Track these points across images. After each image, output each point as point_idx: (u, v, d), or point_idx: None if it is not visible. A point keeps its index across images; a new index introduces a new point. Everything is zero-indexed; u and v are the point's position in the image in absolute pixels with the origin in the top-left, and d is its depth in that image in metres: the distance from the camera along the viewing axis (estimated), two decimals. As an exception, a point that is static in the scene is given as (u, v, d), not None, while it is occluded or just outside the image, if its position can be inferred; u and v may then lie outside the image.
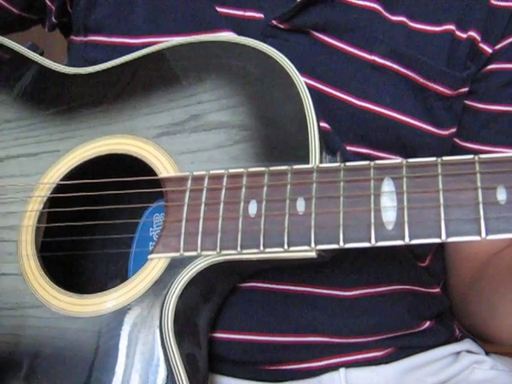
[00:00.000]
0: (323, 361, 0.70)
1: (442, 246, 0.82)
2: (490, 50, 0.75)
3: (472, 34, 0.74)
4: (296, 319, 0.69)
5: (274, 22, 0.71)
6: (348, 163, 0.58)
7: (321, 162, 0.60)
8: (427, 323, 0.75)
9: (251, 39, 0.65)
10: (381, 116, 0.71)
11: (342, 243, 0.56)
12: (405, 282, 0.74)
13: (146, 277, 0.62)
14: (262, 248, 0.58)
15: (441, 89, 0.73)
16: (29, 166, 0.71)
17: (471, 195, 0.53)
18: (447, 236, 0.53)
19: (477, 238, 0.52)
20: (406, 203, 0.55)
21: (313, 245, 0.56)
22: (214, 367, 0.69)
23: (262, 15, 0.72)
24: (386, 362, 0.71)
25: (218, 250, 0.59)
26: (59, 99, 0.73)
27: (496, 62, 0.75)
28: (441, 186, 0.54)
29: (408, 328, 0.73)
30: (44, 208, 0.68)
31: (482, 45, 0.74)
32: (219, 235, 0.59)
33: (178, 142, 0.65)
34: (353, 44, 0.71)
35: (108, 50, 0.73)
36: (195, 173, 0.63)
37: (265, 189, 0.59)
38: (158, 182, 0.65)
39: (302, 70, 0.62)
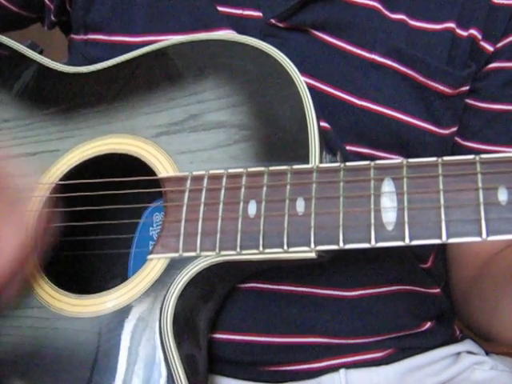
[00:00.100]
0: (323, 362, 0.69)
1: (443, 247, 0.82)
2: (491, 49, 0.74)
3: (473, 32, 0.73)
4: (296, 320, 0.69)
5: (273, 21, 0.70)
6: (348, 163, 0.58)
7: (321, 161, 0.60)
8: (428, 324, 0.75)
9: (251, 38, 0.65)
10: (381, 115, 0.70)
11: (341, 244, 0.55)
12: (405, 282, 0.74)
13: (146, 277, 0.61)
14: (261, 249, 0.57)
15: (441, 87, 0.72)
16: (28, 165, 0.70)
17: (472, 196, 0.53)
18: (448, 237, 0.53)
19: (478, 239, 0.52)
20: (406, 204, 0.54)
21: (312, 245, 0.56)
22: (213, 368, 0.69)
23: (260, 14, 0.71)
24: (387, 363, 0.71)
25: (217, 250, 0.59)
26: (58, 98, 0.72)
27: (497, 61, 0.75)
28: (441, 187, 0.54)
29: (408, 329, 0.73)
30: (43, 208, 0.68)
31: (482, 43, 0.74)
32: (218, 236, 0.59)
33: (178, 141, 0.65)
34: (352, 42, 0.71)
35: (108, 49, 0.73)
36: (194, 173, 0.62)
37: (264, 189, 0.59)
38: (158, 182, 0.64)
39: (301, 69, 0.62)
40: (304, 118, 0.61)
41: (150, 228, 0.73)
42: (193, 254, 0.60)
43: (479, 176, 0.53)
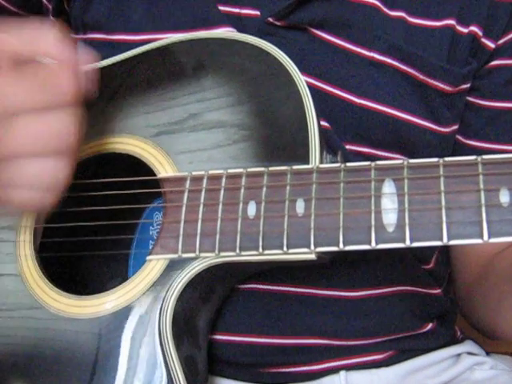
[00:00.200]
0: (324, 363, 0.69)
1: (446, 247, 0.81)
2: (492, 46, 0.73)
3: (473, 28, 0.72)
4: (296, 321, 0.68)
5: (271, 20, 0.69)
6: (348, 164, 0.57)
7: (321, 161, 0.59)
8: (429, 325, 0.75)
9: (251, 36, 0.64)
10: (380, 114, 0.69)
11: (341, 245, 0.55)
12: (406, 283, 0.73)
13: (145, 278, 0.61)
14: (260, 250, 0.57)
15: (441, 85, 0.71)
16: None
17: (474, 197, 0.52)
18: (449, 239, 0.52)
19: (479, 241, 0.51)
20: (407, 205, 0.54)
21: (312, 247, 0.56)
22: (213, 369, 0.69)
23: (258, 12, 0.70)
24: (387, 365, 0.71)
25: (216, 251, 0.58)
26: (57, 97, 0.72)
27: (499, 58, 0.74)
28: (443, 188, 0.53)
29: (409, 330, 0.73)
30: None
31: (484, 40, 0.73)
32: (218, 237, 0.59)
33: (177, 141, 0.64)
34: (351, 40, 0.70)
35: (107, 48, 0.72)
36: (194, 173, 0.62)
37: (264, 190, 0.59)
38: (157, 182, 0.64)
39: (300, 68, 0.61)
40: (304, 118, 0.60)
41: (150, 227, 0.73)
42: (192, 255, 0.59)
43: (481, 177, 0.53)
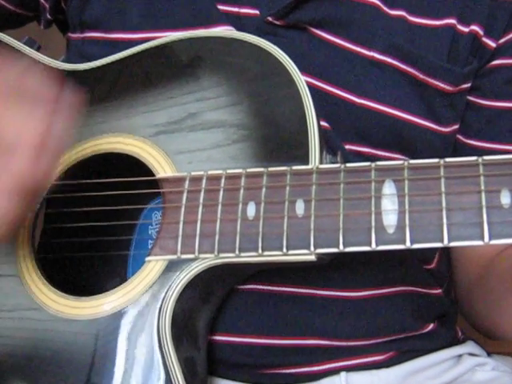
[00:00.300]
0: (324, 364, 0.69)
1: (447, 248, 0.81)
2: (493, 45, 0.73)
3: (474, 28, 0.72)
4: (296, 322, 0.68)
5: (270, 19, 0.69)
6: (348, 164, 0.57)
7: (321, 161, 0.59)
8: (430, 326, 0.74)
9: (250, 35, 0.64)
10: (381, 114, 0.69)
11: (341, 247, 0.55)
12: (407, 283, 0.73)
13: (144, 279, 0.61)
14: (260, 251, 0.57)
15: (441, 85, 0.71)
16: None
17: (474, 198, 0.52)
18: (449, 240, 0.52)
19: (480, 242, 0.51)
20: (407, 206, 0.54)
21: (312, 248, 0.55)
22: (213, 370, 0.68)
23: (257, 12, 0.70)
24: (388, 366, 0.70)
25: (215, 252, 0.58)
26: (55, 96, 0.71)
27: (500, 58, 0.73)
28: (443, 189, 0.53)
29: (410, 330, 0.72)
30: (40, 208, 0.67)
31: (485, 39, 0.72)
32: (217, 238, 0.58)
33: (176, 141, 0.64)
34: (351, 40, 0.69)
35: (105, 46, 0.72)
36: (193, 173, 0.62)
37: (263, 190, 0.58)
38: (156, 182, 0.64)
39: (300, 68, 0.61)
40: (304, 118, 0.60)
41: (150, 227, 0.72)
42: (191, 256, 0.59)
43: (482, 178, 0.52)
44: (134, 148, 0.66)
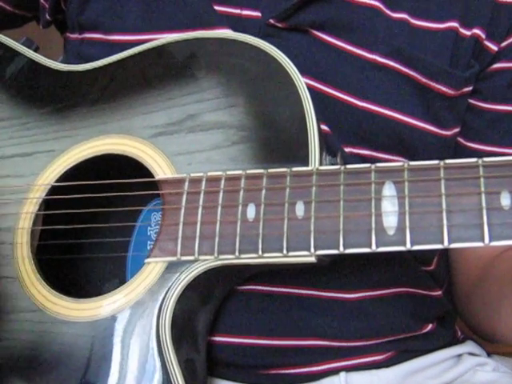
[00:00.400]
0: (324, 365, 0.69)
1: (446, 250, 0.81)
2: (495, 48, 0.73)
3: (476, 31, 0.72)
4: (296, 322, 0.68)
5: (272, 21, 0.69)
6: (348, 166, 0.57)
7: (321, 162, 0.59)
8: (429, 326, 0.74)
9: (250, 36, 0.64)
10: (382, 117, 0.69)
11: (342, 248, 0.54)
12: (407, 284, 0.73)
13: (143, 281, 0.61)
14: (260, 253, 0.57)
15: (443, 89, 0.71)
16: (24, 166, 0.69)
17: (474, 200, 0.52)
18: (450, 242, 0.52)
19: (480, 244, 0.51)
20: (407, 208, 0.54)
21: (312, 250, 0.55)
22: (213, 371, 0.68)
23: (259, 14, 0.70)
24: (387, 366, 0.71)
25: (215, 254, 0.58)
26: (54, 97, 0.71)
27: (501, 61, 0.73)
28: (443, 191, 0.53)
29: (410, 331, 0.72)
30: (39, 210, 0.67)
31: (486, 42, 0.72)
32: (217, 239, 0.58)
33: (175, 142, 0.64)
34: (353, 43, 0.69)
35: (103, 48, 0.72)
36: (192, 175, 0.62)
37: (263, 192, 0.58)
38: (155, 183, 0.63)
39: (301, 70, 0.60)
40: (303, 119, 0.60)
41: (148, 228, 0.72)
42: (191, 257, 0.59)
43: (482, 180, 0.52)
44: (133, 149, 0.66)
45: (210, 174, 0.61)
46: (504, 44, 0.73)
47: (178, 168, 0.63)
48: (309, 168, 0.58)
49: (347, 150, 0.69)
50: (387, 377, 0.70)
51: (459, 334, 0.80)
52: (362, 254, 0.54)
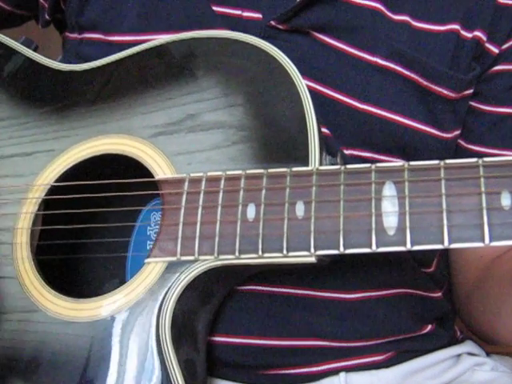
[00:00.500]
0: (323, 365, 0.69)
1: (446, 250, 0.81)
2: (496, 51, 0.73)
3: (477, 33, 0.72)
4: (296, 323, 0.68)
5: (273, 23, 0.69)
6: (348, 166, 0.57)
7: (321, 163, 0.59)
8: (428, 327, 0.74)
9: (251, 36, 0.63)
10: (383, 119, 0.69)
11: (342, 249, 0.54)
12: (406, 285, 0.73)
13: (143, 281, 0.61)
14: (260, 253, 0.57)
15: (445, 92, 0.71)
16: (23, 166, 0.69)
17: (475, 200, 0.52)
18: (450, 242, 0.52)
19: (480, 244, 0.51)
20: (407, 208, 0.53)
21: (312, 250, 0.55)
22: (212, 371, 0.68)
23: (260, 15, 0.70)
24: (387, 366, 0.71)
25: (215, 254, 0.58)
26: (53, 97, 0.71)
27: (502, 63, 0.74)
28: (443, 191, 0.53)
29: (409, 332, 0.72)
30: (39, 210, 0.67)
31: (487, 45, 0.72)
32: (217, 239, 0.58)
33: (175, 142, 0.64)
34: (354, 45, 0.69)
35: (103, 48, 0.72)
36: (192, 175, 0.61)
37: (263, 192, 0.58)
38: (155, 183, 0.63)
39: (302, 72, 0.60)
40: (303, 119, 0.60)
41: (148, 228, 0.72)
42: (191, 257, 0.59)
43: (482, 180, 0.52)
44: (133, 149, 0.65)
45: (209, 173, 0.61)
46: (505, 46, 0.73)
47: (177, 168, 0.63)
48: (309, 168, 0.58)
49: (348, 152, 0.69)
50: (387, 377, 0.70)
51: (458, 334, 0.80)
52: (362, 254, 0.54)
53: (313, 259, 0.56)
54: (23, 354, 0.63)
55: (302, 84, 0.60)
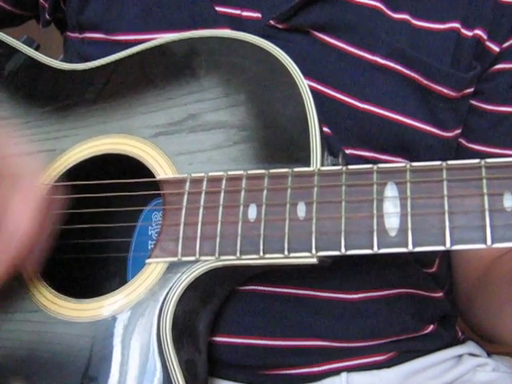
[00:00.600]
0: (325, 365, 0.68)
1: (448, 252, 0.81)
2: (497, 49, 0.72)
3: (478, 32, 0.71)
4: (297, 323, 0.68)
5: (272, 22, 0.68)
6: (350, 166, 0.57)
7: (322, 163, 0.59)
8: (430, 327, 0.74)
9: (252, 35, 0.63)
10: (383, 118, 0.69)
11: (343, 250, 0.54)
12: (408, 285, 0.73)
13: (144, 281, 0.61)
14: (261, 254, 0.56)
15: (445, 91, 0.70)
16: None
17: (477, 202, 0.52)
18: (452, 244, 0.52)
19: (482, 246, 0.51)
20: (409, 209, 0.53)
21: (314, 251, 0.55)
22: (213, 371, 0.68)
23: (259, 15, 0.69)
24: (388, 366, 0.70)
25: (216, 255, 0.58)
26: (54, 96, 0.71)
27: (503, 62, 0.73)
28: (446, 192, 0.53)
29: (410, 332, 0.72)
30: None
31: (488, 43, 0.72)
32: (218, 240, 0.58)
33: (176, 142, 0.64)
34: (354, 44, 0.69)
35: (104, 47, 0.71)
36: (193, 175, 0.61)
37: (265, 192, 0.58)
38: (156, 183, 0.63)
39: (302, 71, 0.60)
40: (305, 119, 0.60)
41: (149, 228, 0.72)
42: (192, 258, 0.59)
43: (484, 181, 0.52)
44: (134, 149, 0.65)
45: (211, 174, 0.61)
46: (506, 45, 0.73)
47: (179, 168, 0.63)
48: (310, 168, 0.58)
49: (348, 151, 0.69)
50: (388, 377, 0.70)
51: (460, 334, 0.80)
52: (364, 255, 0.54)
53: (314, 260, 0.56)
54: (24, 354, 0.62)
55: (303, 84, 0.60)
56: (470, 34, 0.71)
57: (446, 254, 0.81)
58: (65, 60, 0.74)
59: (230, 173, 0.60)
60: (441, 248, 0.52)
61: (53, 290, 0.63)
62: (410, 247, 0.53)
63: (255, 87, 0.62)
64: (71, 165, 0.67)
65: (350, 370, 0.69)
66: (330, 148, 0.62)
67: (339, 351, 0.69)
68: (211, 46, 0.65)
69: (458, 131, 0.74)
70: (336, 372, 0.69)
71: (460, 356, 0.75)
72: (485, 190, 0.52)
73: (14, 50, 0.74)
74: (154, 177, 0.63)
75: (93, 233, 0.68)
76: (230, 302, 0.67)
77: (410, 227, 0.53)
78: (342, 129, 0.68)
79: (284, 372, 0.68)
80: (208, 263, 0.58)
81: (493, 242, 0.51)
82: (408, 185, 0.54)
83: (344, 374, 0.69)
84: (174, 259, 0.59)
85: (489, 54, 0.73)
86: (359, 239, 0.54)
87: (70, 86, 0.71)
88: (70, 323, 0.62)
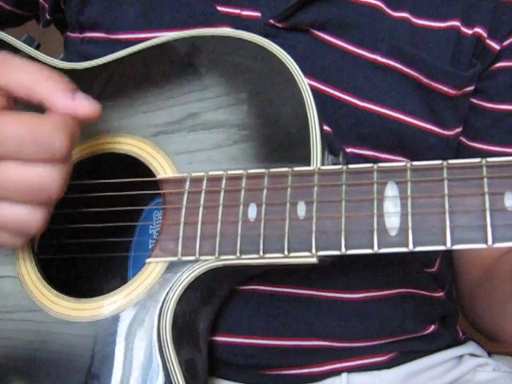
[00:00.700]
0: (325, 366, 0.68)
1: (449, 251, 0.81)
2: (497, 47, 0.72)
3: (478, 30, 0.71)
4: (297, 323, 0.68)
5: (272, 21, 0.68)
6: (351, 166, 0.56)
7: (323, 162, 0.58)
8: (431, 327, 0.74)
9: (253, 34, 0.63)
10: (384, 117, 0.68)
11: (343, 249, 0.54)
12: (409, 285, 0.73)
13: (144, 281, 0.60)
14: (261, 253, 0.56)
15: (445, 89, 0.70)
16: None
17: (478, 201, 0.51)
18: (452, 243, 0.51)
19: (483, 245, 0.51)
20: (410, 209, 0.53)
21: (314, 251, 0.55)
22: (214, 371, 0.68)
23: (259, 14, 0.69)
24: (389, 367, 0.70)
25: (216, 254, 0.58)
26: (55, 95, 0.71)
27: (504, 60, 0.73)
28: (446, 191, 0.52)
29: (411, 332, 0.72)
30: None
31: (488, 41, 0.72)
32: (218, 239, 0.58)
33: (176, 141, 0.64)
34: (353, 42, 0.69)
35: (104, 46, 0.71)
36: (193, 174, 0.61)
37: (265, 192, 0.58)
38: (156, 182, 0.63)
39: (302, 70, 0.60)
40: (305, 118, 0.59)
41: (150, 227, 0.72)
42: (192, 257, 0.59)
43: (485, 180, 0.52)
44: (134, 148, 0.65)
45: (211, 173, 0.60)
46: (506, 43, 0.73)
47: (178, 167, 0.62)
48: (310, 168, 0.58)
49: (348, 150, 0.69)
50: (389, 378, 0.70)
51: (461, 334, 0.79)
52: (364, 255, 0.54)
53: (314, 260, 0.55)
54: (24, 354, 0.62)
55: (304, 83, 0.60)
56: (470, 32, 0.71)
57: (447, 254, 0.81)
58: (65, 59, 0.73)
59: (229, 172, 0.60)
60: (441, 248, 0.52)
61: (53, 290, 0.63)
62: (411, 247, 0.52)
63: (256, 86, 0.62)
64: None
65: (350, 370, 0.69)
66: (331, 147, 0.61)
67: (340, 351, 0.69)
68: (212, 44, 0.65)
69: (459, 129, 0.74)
70: (336, 372, 0.69)
71: (461, 356, 0.75)
72: (486, 190, 0.51)
73: (15, 50, 0.74)
74: (154, 176, 0.63)
75: (93, 232, 0.68)
76: (230, 301, 0.66)
77: (411, 227, 0.52)
78: (342, 127, 0.68)
79: (284, 372, 0.68)
80: (208, 263, 0.58)
81: (494, 242, 0.50)
82: (408, 184, 0.54)
83: (344, 375, 0.69)
84: (174, 259, 0.59)
85: (489, 52, 0.72)
86: (359, 239, 0.54)
87: (70, 85, 0.70)
88: (70, 323, 0.61)
